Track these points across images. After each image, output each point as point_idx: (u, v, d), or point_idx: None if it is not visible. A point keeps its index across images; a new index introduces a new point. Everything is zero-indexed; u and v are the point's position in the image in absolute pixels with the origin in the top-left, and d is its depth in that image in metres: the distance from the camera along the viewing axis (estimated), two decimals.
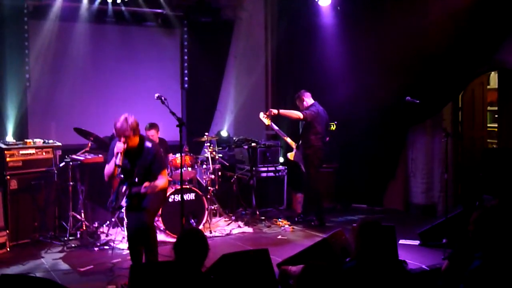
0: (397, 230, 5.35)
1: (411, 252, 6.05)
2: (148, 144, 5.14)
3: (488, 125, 8.91)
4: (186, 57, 9.20)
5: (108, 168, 5.13)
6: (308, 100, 7.60)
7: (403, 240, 6.50)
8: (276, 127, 7.67)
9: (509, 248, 3.29)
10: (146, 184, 4.99)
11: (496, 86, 8.54)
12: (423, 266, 5.54)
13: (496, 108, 8.69)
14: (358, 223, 3.74)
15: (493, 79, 8.99)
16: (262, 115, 7.46)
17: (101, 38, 8.40)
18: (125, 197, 5.08)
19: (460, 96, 8.22)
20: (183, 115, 8.97)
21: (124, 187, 5.11)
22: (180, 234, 3.29)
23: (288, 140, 7.74)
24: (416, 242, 6.50)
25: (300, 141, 7.61)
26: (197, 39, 9.15)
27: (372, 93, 8.16)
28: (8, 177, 6.48)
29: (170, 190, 6.72)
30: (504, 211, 3.40)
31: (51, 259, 5.98)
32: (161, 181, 5.08)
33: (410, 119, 8.17)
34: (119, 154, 4.96)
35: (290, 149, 7.85)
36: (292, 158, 7.73)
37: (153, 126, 7.23)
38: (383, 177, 8.75)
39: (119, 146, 4.99)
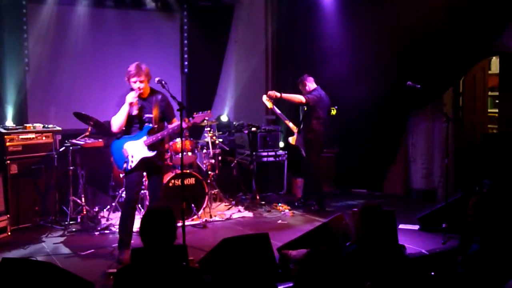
0: (397, 215, 5.38)
1: (410, 237, 6.07)
2: (158, 91, 5.45)
3: (489, 110, 8.87)
4: (186, 42, 9.15)
5: (119, 119, 5.29)
6: (311, 84, 7.57)
7: (403, 224, 6.51)
8: (278, 111, 7.65)
9: (507, 232, 3.30)
10: (175, 123, 5.42)
11: (497, 71, 8.49)
12: (423, 251, 5.57)
13: (497, 93, 8.66)
14: (359, 208, 3.75)
15: (494, 64, 8.94)
16: (265, 98, 7.45)
17: (100, 22, 8.33)
18: (147, 147, 5.31)
19: (461, 81, 8.18)
20: (183, 100, 8.92)
21: (145, 137, 5.34)
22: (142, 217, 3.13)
23: (290, 124, 7.72)
24: (416, 227, 6.52)
25: (302, 126, 7.59)
26: (197, 23, 9.09)
27: (373, 77, 8.13)
28: (8, 161, 6.47)
29: (170, 175, 6.72)
30: (502, 195, 3.41)
31: (52, 243, 6.00)
32: (178, 123, 5.36)
33: (411, 104, 8.15)
34: (134, 104, 5.26)
35: (290, 133, 7.84)
36: (293, 143, 7.72)
37: None
38: (383, 162, 8.76)
39: (132, 95, 5.24)
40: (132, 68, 5.26)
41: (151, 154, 5.36)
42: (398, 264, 3.60)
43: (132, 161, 5.29)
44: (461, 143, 8.28)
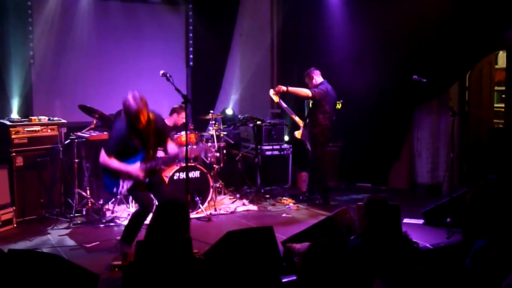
0: (401, 209, 5.37)
1: (415, 231, 6.01)
2: (151, 112, 5.12)
3: (495, 105, 8.84)
4: (191, 35, 9.13)
5: (112, 166, 5.00)
6: (318, 78, 7.54)
7: (408, 219, 6.50)
8: (284, 105, 7.64)
9: (507, 227, 3.28)
10: (176, 149, 5.26)
11: (504, 66, 8.44)
12: (427, 245, 5.56)
13: (503, 88, 8.60)
14: (365, 201, 3.74)
15: (501, 58, 8.89)
16: (271, 92, 7.43)
17: (106, 15, 8.32)
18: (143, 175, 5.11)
19: (468, 76, 8.15)
20: (188, 93, 8.93)
21: (138, 165, 5.07)
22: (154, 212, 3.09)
23: (296, 118, 7.70)
24: (421, 221, 6.51)
25: (308, 120, 7.58)
26: (203, 16, 9.07)
27: (379, 71, 8.10)
28: (14, 154, 6.49)
29: (174, 168, 6.73)
30: (499, 190, 3.38)
31: (58, 235, 6.02)
32: (173, 144, 5.27)
33: (417, 98, 8.12)
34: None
35: (296, 127, 7.83)
36: (299, 137, 7.71)
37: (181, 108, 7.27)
38: (388, 156, 8.74)
39: (137, 172, 5.04)
40: (131, 102, 4.86)
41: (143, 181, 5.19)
42: (406, 257, 3.58)
43: (123, 186, 5.10)
44: (467, 137, 8.26)
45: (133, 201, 5.66)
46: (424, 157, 8.44)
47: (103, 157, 5.02)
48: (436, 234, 5.99)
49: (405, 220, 6.37)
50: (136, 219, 5.25)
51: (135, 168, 5.06)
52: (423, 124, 8.43)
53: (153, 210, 4.93)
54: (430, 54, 7.75)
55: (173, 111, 7.44)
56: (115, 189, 5.13)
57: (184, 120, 7.14)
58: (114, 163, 5.02)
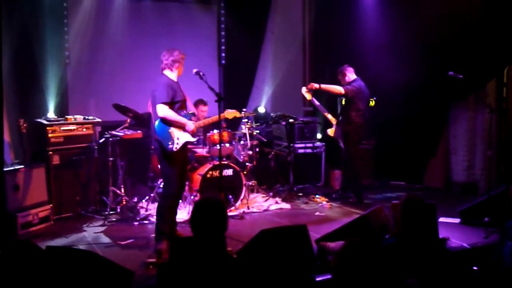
0: (437, 208, 5.27)
1: (451, 230, 5.94)
2: None
3: None
4: (223, 33, 9.16)
5: (172, 118, 5.37)
6: (351, 75, 7.47)
7: (444, 218, 6.38)
8: (317, 102, 7.58)
9: None
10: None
11: None
12: (464, 244, 5.44)
13: None
14: (401, 200, 3.67)
15: None
16: (304, 90, 7.38)
17: (139, 15, 8.43)
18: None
19: (505, 71, 7.93)
20: (220, 91, 8.96)
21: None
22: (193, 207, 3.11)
23: (329, 116, 7.64)
24: (457, 220, 6.38)
25: (340, 117, 7.50)
26: (234, 14, 9.09)
27: (413, 67, 7.95)
28: (51, 152, 6.63)
29: (208, 166, 6.76)
30: None
31: (93, 233, 6.12)
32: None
33: (453, 94, 7.96)
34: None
35: (328, 125, 7.76)
36: (332, 134, 7.64)
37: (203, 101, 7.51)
38: (423, 153, 8.60)
39: (191, 127, 5.45)
40: (178, 51, 5.50)
41: (194, 139, 5.58)
42: (439, 258, 3.52)
43: (177, 143, 5.37)
44: (504, 135, 8.04)
45: (163, 180, 5.76)
46: (460, 154, 8.27)
47: (163, 109, 5.29)
48: (473, 233, 5.87)
49: (441, 219, 6.25)
50: (163, 210, 5.47)
51: (189, 122, 5.44)
52: (459, 121, 8.25)
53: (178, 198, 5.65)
54: (466, 49, 7.58)
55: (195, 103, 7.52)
56: (170, 144, 5.34)
57: (203, 114, 7.34)
58: (174, 113, 5.35)
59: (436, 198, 6.81)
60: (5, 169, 5.91)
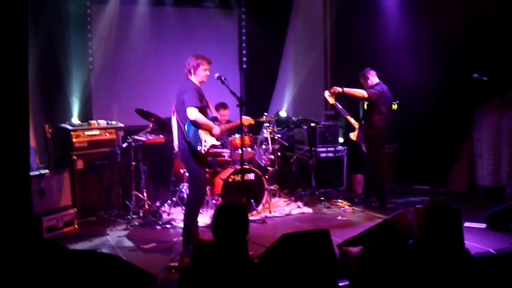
0: (462, 212, 5.18)
1: (477, 236, 5.84)
2: None
3: None
4: (244, 37, 9.18)
5: (202, 122, 5.48)
6: (373, 78, 7.41)
7: (469, 223, 6.28)
8: (340, 106, 7.53)
9: None
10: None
11: None
12: (490, 250, 5.34)
13: None
14: (425, 204, 3.61)
15: None
16: (327, 94, 7.34)
17: (161, 20, 8.50)
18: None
19: None
20: (241, 96, 8.96)
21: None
22: (214, 211, 3.12)
23: (351, 120, 7.58)
24: (483, 225, 6.27)
25: (363, 121, 7.45)
26: (255, 19, 9.11)
27: (436, 70, 7.89)
28: (75, 157, 6.71)
29: (230, 170, 6.77)
30: None
31: (116, 236, 6.17)
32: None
33: (477, 97, 7.84)
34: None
35: (351, 129, 7.71)
36: (354, 138, 7.57)
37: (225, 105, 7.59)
38: (447, 157, 8.48)
39: (216, 129, 5.60)
40: (202, 56, 5.57)
41: (218, 143, 5.69)
42: (463, 264, 3.46)
43: (205, 146, 5.48)
44: None
45: (190, 180, 5.79)
46: (485, 158, 8.13)
47: (194, 113, 5.39)
48: (500, 239, 5.76)
49: (467, 224, 6.15)
50: (194, 213, 5.54)
51: (215, 126, 5.61)
52: (484, 124, 8.12)
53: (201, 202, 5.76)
54: (491, 51, 7.47)
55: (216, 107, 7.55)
56: (199, 147, 5.43)
57: (224, 118, 7.48)
58: (203, 117, 5.48)
59: (460, 202, 6.69)
60: (30, 174, 5.98)
